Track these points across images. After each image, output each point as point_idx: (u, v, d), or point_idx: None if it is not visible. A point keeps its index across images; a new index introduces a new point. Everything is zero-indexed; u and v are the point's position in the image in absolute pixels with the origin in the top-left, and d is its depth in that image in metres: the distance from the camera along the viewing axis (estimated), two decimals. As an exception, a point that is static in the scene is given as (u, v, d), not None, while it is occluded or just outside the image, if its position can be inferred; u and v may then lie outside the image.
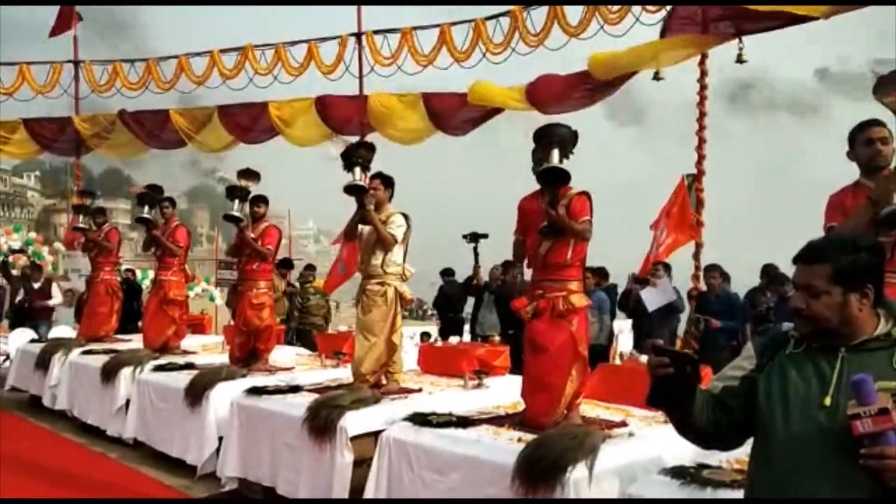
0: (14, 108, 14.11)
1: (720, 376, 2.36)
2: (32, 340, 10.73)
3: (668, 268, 9.12)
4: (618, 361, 6.73)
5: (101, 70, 14.03)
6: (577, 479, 3.88)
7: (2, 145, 13.85)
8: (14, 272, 13.54)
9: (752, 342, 2.44)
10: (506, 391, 5.75)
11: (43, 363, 9.31)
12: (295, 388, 6.14)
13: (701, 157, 9.30)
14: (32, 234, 16.97)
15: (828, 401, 1.99)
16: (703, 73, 9.28)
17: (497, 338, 7.60)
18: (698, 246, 9.23)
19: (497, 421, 4.94)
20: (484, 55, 10.92)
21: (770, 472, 2.07)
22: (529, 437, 4.36)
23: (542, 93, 10.22)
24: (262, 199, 7.67)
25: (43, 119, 14.03)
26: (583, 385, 4.89)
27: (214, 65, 13.18)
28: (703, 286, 9.18)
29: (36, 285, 12.39)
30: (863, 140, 3.91)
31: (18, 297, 12.58)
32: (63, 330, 11.51)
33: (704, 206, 9.26)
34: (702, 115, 9.35)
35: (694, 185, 9.21)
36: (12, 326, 12.24)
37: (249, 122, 12.98)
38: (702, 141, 9.29)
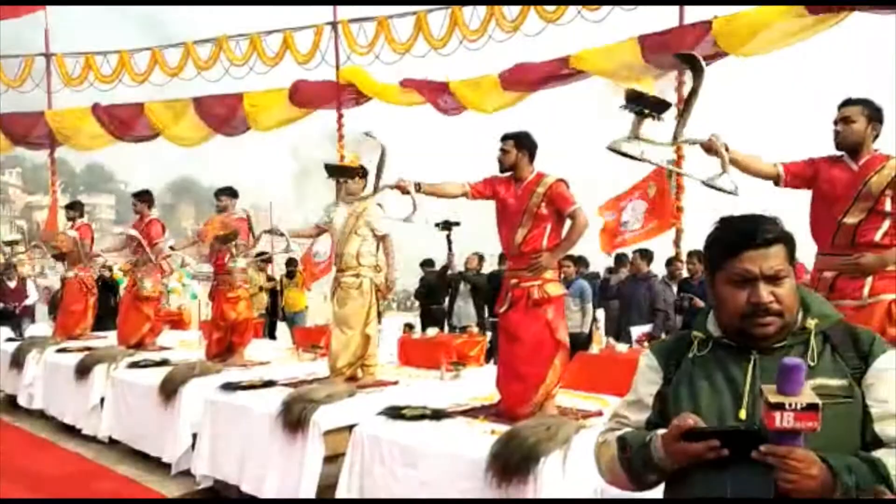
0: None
1: (634, 404, 2.01)
2: (9, 339, 10.56)
3: (647, 255, 9.05)
4: (595, 350, 6.67)
5: (73, 63, 13.82)
6: (549, 470, 3.81)
7: (-27, 141, 13.65)
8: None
9: (649, 350, 2.06)
10: (482, 383, 5.67)
11: (17, 362, 9.16)
12: (269, 383, 6.04)
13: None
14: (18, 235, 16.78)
15: (742, 413, 1.74)
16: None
17: (474, 328, 7.53)
18: (678, 232, 9.18)
19: (472, 413, 4.86)
20: (461, 42, 10.82)
21: (688, 490, 1.79)
22: (503, 428, 4.28)
23: (517, 81, 10.18)
24: (225, 192, 7.55)
25: (15, 114, 13.82)
26: (561, 375, 4.83)
27: (189, 56, 13.01)
28: (685, 273, 9.14)
29: (11, 284, 12.21)
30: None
31: None
32: (40, 328, 11.34)
33: (684, 191, 9.21)
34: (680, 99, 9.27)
35: (673, 172, 9.15)
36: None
37: (224, 114, 12.83)
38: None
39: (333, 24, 12.18)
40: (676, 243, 9.26)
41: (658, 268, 9.20)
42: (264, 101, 12.60)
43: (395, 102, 11.82)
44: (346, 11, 12.20)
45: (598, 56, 9.62)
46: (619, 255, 9.71)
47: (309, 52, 12.38)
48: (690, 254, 8.95)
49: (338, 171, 5.93)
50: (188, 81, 13.28)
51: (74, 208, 10.11)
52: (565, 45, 9.92)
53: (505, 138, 4.90)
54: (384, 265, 6.13)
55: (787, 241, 1.80)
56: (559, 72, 9.97)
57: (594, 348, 6.77)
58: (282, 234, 7.02)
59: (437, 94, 11.08)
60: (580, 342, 8.37)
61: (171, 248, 8.97)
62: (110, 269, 13.26)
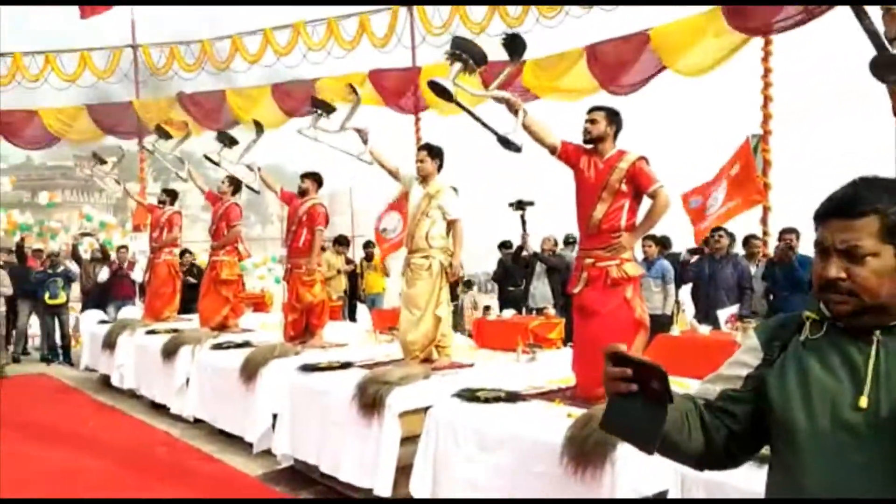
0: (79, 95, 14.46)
1: (715, 377, 1.80)
2: (101, 321, 11.00)
3: (730, 235, 8.70)
4: (676, 332, 6.45)
5: (158, 53, 14.21)
6: (626, 454, 3.69)
7: (66, 132, 14.18)
8: (85, 256, 13.88)
9: (752, 330, 1.87)
10: (559, 365, 5.56)
11: (110, 343, 9.53)
12: (346, 365, 6.07)
13: (766, 117, 8.85)
14: (111, 218, 17.50)
15: (863, 401, 1.52)
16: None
17: (551, 310, 7.40)
18: (766, 210, 8.81)
19: (547, 396, 4.78)
20: (538, 19, 10.61)
21: (798, 491, 1.61)
22: (580, 411, 4.18)
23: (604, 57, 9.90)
24: (308, 176, 7.61)
25: (104, 104, 14.31)
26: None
27: (268, 43, 13.20)
28: (771, 252, 8.76)
29: (124, 264, 12.68)
30: None
31: (103, 278, 12.79)
32: (131, 311, 11.75)
33: (772, 166, 8.82)
34: (766, 71, 8.88)
35: (760, 146, 8.78)
36: (92, 307, 12.56)
37: (302, 99, 12.96)
38: (767, 100, 8.83)
39: (409, 6, 12.15)
40: (764, 221, 8.88)
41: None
42: (338, 87, 12.67)
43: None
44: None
45: (679, 29, 9.26)
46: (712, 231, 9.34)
47: (385, 36, 12.39)
48: (784, 231, 8.50)
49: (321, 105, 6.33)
50: (268, 68, 13.49)
51: (168, 195, 10.39)
52: (644, 18, 9.62)
53: (595, 109, 4.78)
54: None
55: (888, 212, 1.56)
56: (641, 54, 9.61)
57: (675, 330, 6.55)
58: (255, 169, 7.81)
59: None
60: (661, 324, 8.15)
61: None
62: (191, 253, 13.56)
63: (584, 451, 3.80)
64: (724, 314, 6.80)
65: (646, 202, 4.71)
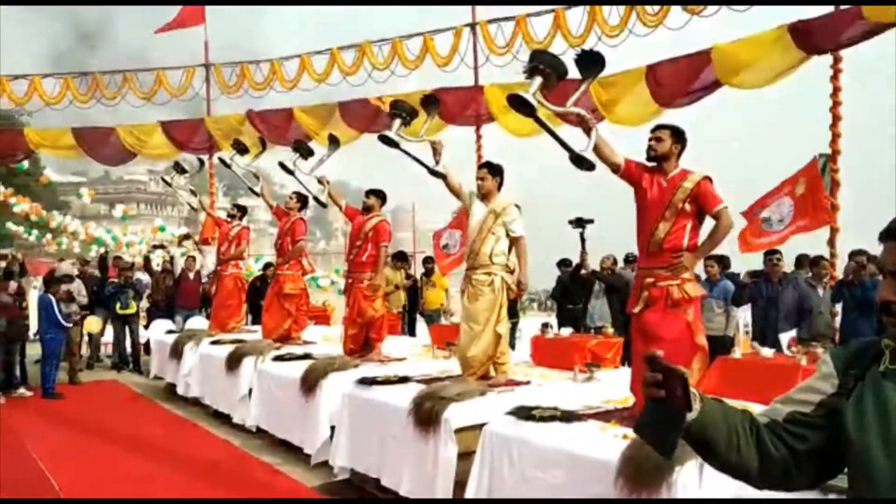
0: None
1: (785, 398, 1.75)
2: (168, 331, 11.34)
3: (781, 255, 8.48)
4: (737, 354, 6.32)
5: (229, 71, 14.64)
6: (684, 480, 3.65)
7: (141, 148, 14.70)
8: (157, 267, 14.32)
9: (829, 356, 1.79)
10: (616, 385, 5.53)
11: (177, 353, 9.81)
12: (404, 379, 6.14)
13: (835, 136, 8.65)
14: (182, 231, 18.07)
15: None
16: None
17: (610, 329, 7.34)
18: (833, 231, 8.59)
19: (604, 416, 4.74)
20: (599, 38, 10.58)
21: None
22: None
23: (663, 77, 9.81)
24: (372, 193, 7.74)
25: (178, 121, 14.80)
26: (698, 380, 4.63)
27: (334, 62, 13.47)
28: (839, 274, 8.54)
29: (190, 275, 13.07)
30: None
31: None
32: (198, 321, 12.07)
33: (840, 187, 8.61)
34: (836, 90, 8.69)
35: (828, 166, 8.58)
36: (161, 317, 12.95)
37: (369, 118, 13.16)
38: (836, 119, 8.63)
39: (472, 26, 12.26)
40: (831, 243, 8.66)
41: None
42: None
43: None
44: (484, 12, 12.26)
45: (742, 47, 9.14)
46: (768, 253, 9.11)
47: (448, 55, 12.52)
48: (854, 252, 8.27)
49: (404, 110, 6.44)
50: (334, 87, 13.75)
51: (238, 209, 10.68)
52: (708, 38, 9.52)
53: (661, 126, 4.77)
54: (516, 267, 6.08)
55: None
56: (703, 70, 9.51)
57: (736, 352, 6.43)
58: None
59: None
60: (723, 346, 8.00)
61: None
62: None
63: (641, 473, 3.76)
64: (786, 337, 6.66)
65: (708, 222, 4.68)
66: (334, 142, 8.53)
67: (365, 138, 13.42)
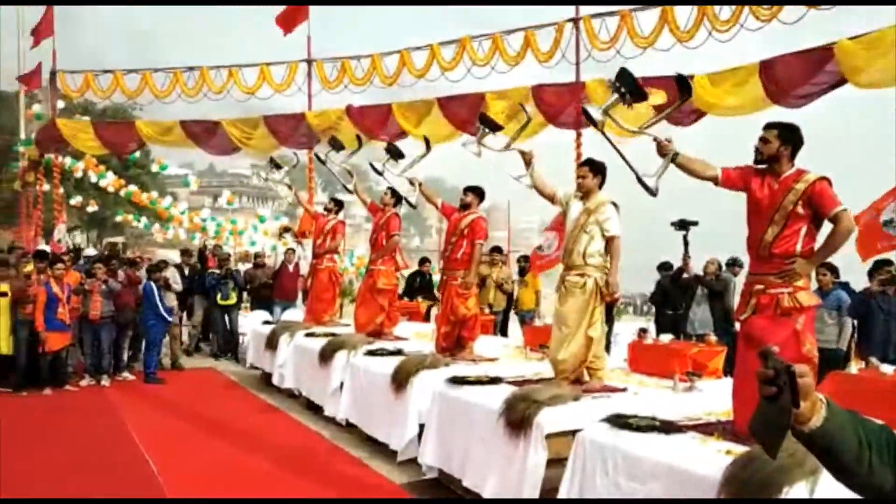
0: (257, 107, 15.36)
1: None
2: (265, 322, 11.56)
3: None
4: (853, 370, 5.90)
5: (330, 67, 14.84)
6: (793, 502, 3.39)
7: (246, 141, 15.07)
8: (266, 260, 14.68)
9: None
10: (719, 396, 5.23)
11: (271, 344, 9.98)
12: (495, 380, 6.01)
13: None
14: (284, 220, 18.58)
15: None
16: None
17: (713, 337, 6.99)
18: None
19: (705, 428, 4.48)
20: (710, 34, 10.16)
21: None
22: (741, 449, 3.89)
23: (779, 75, 9.32)
24: (470, 189, 7.63)
25: (280, 116, 15.11)
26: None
27: (434, 58, 13.45)
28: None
29: (289, 267, 13.36)
30: None
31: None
32: (294, 313, 12.28)
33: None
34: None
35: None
36: (258, 308, 13.29)
37: (468, 114, 13.07)
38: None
39: (575, 21, 12.01)
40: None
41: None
42: (505, 101, 12.66)
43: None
44: (588, 8, 11.99)
45: (867, 43, 8.57)
46: (878, 262, 8.49)
47: (549, 50, 12.30)
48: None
49: (488, 122, 6.39)
50: (432, 82, 13.76)
51: (335, 204, 10.79)
52: (823, 32, 9.00)
53: (769, 126, 4.48)
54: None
55: None
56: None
57: (852, 367, 6.00)
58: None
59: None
60: (835, 359, 7.53)
61: None
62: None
63: (745, 492, 3.52)
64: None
65: (826, 227, 4.35)
66: (427, 144, 8.47)
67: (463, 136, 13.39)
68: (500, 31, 12.87)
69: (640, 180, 4.56)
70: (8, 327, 9.79)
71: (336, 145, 10.01)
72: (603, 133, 4.74)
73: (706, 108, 10.08)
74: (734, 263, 9.78)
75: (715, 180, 4.56)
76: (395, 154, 8.64)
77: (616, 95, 4.72)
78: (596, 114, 4.83)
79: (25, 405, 9.17)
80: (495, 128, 6.67)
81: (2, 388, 9.77)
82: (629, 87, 4.69)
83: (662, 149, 4.60)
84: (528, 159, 6.15)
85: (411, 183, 8.32)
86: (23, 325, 9.72)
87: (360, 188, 9.86)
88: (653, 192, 4.58)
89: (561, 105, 12.19)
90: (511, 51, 12.68)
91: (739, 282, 7.73)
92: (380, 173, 8.62)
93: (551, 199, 6.25)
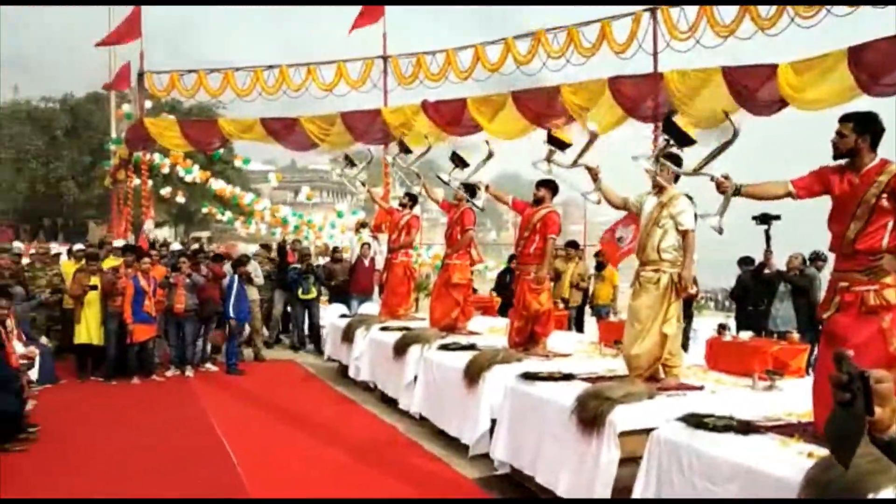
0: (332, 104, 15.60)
1: None
2: (341, 315, 11.74)
3: None
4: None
5: (406, 63, 14.95)
6: (877, 508, 3.25)
7: (323, 137, 15.32)
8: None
9: None
10: (802, 396, 5.04)
11: (348, 337, 10.13)
12: (568, 376, 5.95)
13: None
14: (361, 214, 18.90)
15: None
16: None
17: (796, 335, 6.75)
18: None
19: (785, 430, 4.33)
20: (792, 20, 9.79)
21: None
22: (823, 451, 3.75)
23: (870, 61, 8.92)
24: (543, 184, 7.57)
25: (356, 112, 15.29)
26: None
27: (508, 52, 13.39)
28: None
29: (365, 261, 13.55)
30: None
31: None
32: (370, 307, 12.44)
33: None
34: None
35: None
36: (336, 301, 13.53)
37: (543, 107, 12.97)
38: None
39: (652, 11, 11.76)
40: None
41: None
42: (584, 95, 12.49)
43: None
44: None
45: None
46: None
47: (626, 41, 12.09)
48: None
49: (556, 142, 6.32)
50: (507, 76, 13.69)
51: (409, 198, 10.87)
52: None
53: (844, 119, 4.29)
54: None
55: None
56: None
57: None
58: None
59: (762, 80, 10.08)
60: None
61: None
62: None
63: (826, 496, 3.39)
64: None
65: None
66: (489, 152, 8.41)
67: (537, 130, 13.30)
68: (576, 23, 12.69)
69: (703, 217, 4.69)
70: (98, 319, 10.24)
71: (404, 148, 10.12)
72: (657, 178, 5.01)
73: (790, 99, 9.72)
74: (817, 258, 9.43)
75: (790, 195, 4.44)
76: (460, 162, 8.70)
77: (663, 141, 5.03)
78: (647, 164, 5.35)
79: (115, 393, 9.58)
80: (563, 146, 6.65)
81: (94, 377, 10.24)
82: (675, 137, 4.95)
83: (721, 187, 4.55)
84: (594, 175, 6.06)
85: (477, 188, 8.37)
86: (113, 318, 10.14)
87: (430, 189, 9.93)
88: (719, 231, 4.63)
89: (639, 97, 11.97)
90: (586, 42, 12.50)
91: (825, 277, 7.46)
92: (447, 183, 8.72)
93: (623, 207, 6.17)
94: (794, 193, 4.42)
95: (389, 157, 10.40)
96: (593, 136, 5.98)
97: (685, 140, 5.01)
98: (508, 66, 13.53)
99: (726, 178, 4.54)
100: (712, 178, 4.58)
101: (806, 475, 3.52)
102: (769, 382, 5.64)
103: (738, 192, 4.52)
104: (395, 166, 10.09)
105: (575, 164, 6.20)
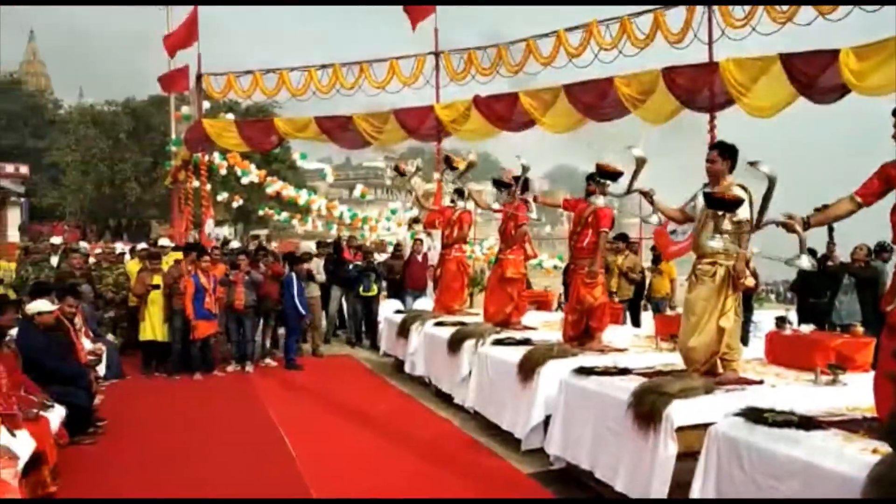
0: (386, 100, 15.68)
1: None
2: (396, 311, 11.84)
3: None
4: None
5: (457, 59, 14.95)
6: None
7: (377, 135, 15.42)
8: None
9: None
10: (866, 391, 4.90)
11: (403, 332, 10.21)
12: (624, 371, 5.90)
13: None
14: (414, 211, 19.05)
15: None
16: None
17: (860, 328, 6.57)
18: None
19: (849, 425, 4.22)
20: (855, 5, 9.50)
21: None
22: (889, 448, 3.65)
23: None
24: (591, 178, 7.52)
25: (409, 109, 15.35)
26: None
27: (560, 44, 13.28)
28: None
29: (418, 257, 13.65)
30: None
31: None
32: (425, 302, 12.50)
33: None
34: None
35: None
36: (392, 297, 13.68)
37: (594, 99, 12.83)
38: None
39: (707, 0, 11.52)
40: None
41: None
42: (637, 86, 12.30)
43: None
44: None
45: None
46: None
47: (681, 31, 11.87)
48: None
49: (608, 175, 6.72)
50: (559, 69, 13.59)
51: (458, 194, 10.92)
52: None
53: None
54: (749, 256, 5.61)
55: None
56: None
57: None
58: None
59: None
60: None
61: None
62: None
63: (894, 493, 3.30)
64: None
65: None
66: (524, 168, 8.50)
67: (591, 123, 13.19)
68: (629, 13, 12.51)
69: (794, 265, 4.60)
70: (162, 317, 10.52)
71: (450, 165, 10.38)
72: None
73: (852, 86, 9.43)
74: (882, 249, 9.16)
75: (859, 206, 4.39)
76: (502, 185, 9.13)
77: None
78: (639, 152, 5.57)
79: (178, 388, 9.83)
80: (615, 176, 6.67)
81: (158, 373, 10.52)
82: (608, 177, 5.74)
83: (790, 227, 4.50)
84: (649, 198, 5.96)
85: (526, 202, 8.56)
86: (177, 315, 10.40)
87: (477, 196, 10.49)
88: (811, 267, 4.67)
89: (694, 88, 11.75)
90: (639, 33, 12.33)
91: (892, 269, 7.24)
92: (494, 211, 8.92)
93: (684, 219, 6.08)
94: (863, 203, 4.36)
95: (437, 174, 10.65)
96: (641, 162, 5.86)
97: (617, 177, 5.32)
98: (560, 59, 13.40)
99: (790, 217, 4.50)
100: (778, 224, 4.54)
101: (870, 472, 3.43)
102: (831, 377, 5.50)
103: (808, 225, 4.49)
104: (443, 182, 10.38)
105: (629, 191, 6.11)
